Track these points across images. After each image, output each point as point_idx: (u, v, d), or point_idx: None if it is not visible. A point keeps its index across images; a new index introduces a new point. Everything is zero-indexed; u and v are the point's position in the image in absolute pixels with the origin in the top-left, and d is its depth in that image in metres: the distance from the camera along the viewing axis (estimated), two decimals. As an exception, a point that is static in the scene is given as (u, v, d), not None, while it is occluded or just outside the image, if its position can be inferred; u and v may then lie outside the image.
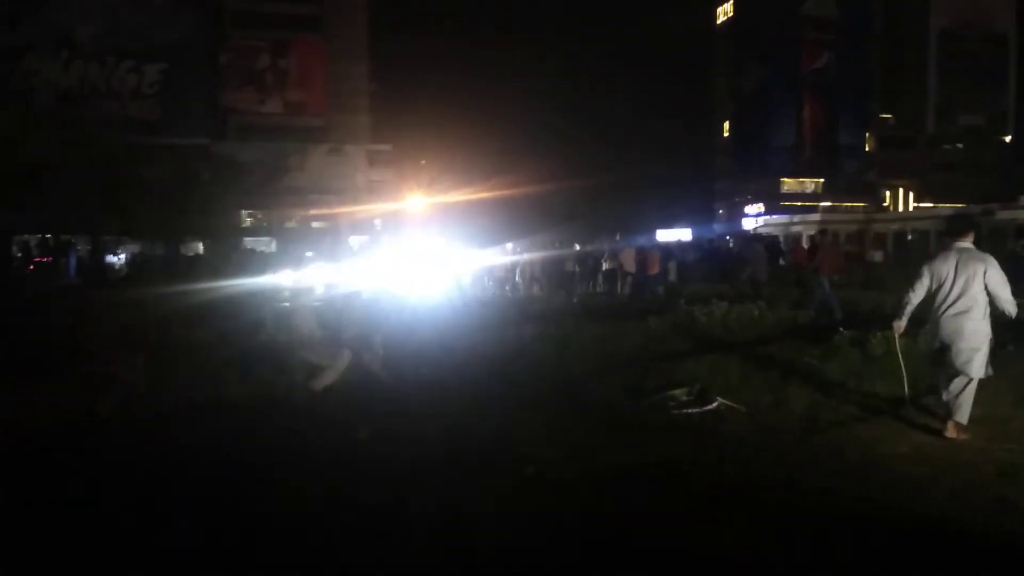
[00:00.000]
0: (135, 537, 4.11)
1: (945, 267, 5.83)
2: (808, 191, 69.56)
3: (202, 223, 31.28)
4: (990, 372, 5.83)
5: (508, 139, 60.70)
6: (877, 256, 34.33)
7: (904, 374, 6.34)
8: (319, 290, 9.03)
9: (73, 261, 24.74)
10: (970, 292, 5.72)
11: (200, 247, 32.41)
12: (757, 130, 69.13)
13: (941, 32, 69.43)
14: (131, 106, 44.79)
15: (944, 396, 5.87)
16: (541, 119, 65.48)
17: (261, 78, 48.93)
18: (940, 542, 4.08)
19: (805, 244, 27.66)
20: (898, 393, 6.53)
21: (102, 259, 28.26)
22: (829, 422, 6.33)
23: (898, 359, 6.40)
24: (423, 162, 49.00)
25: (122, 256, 30.20)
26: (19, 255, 26.24)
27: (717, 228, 58.57)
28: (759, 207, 66.53)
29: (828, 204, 61.73)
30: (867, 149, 71.25)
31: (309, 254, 21.12)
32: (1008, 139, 70.79)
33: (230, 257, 23.98)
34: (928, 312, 5.97)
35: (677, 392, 7.09)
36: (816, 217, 42.37)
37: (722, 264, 24.05)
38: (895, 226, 38.28)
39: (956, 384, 5.77)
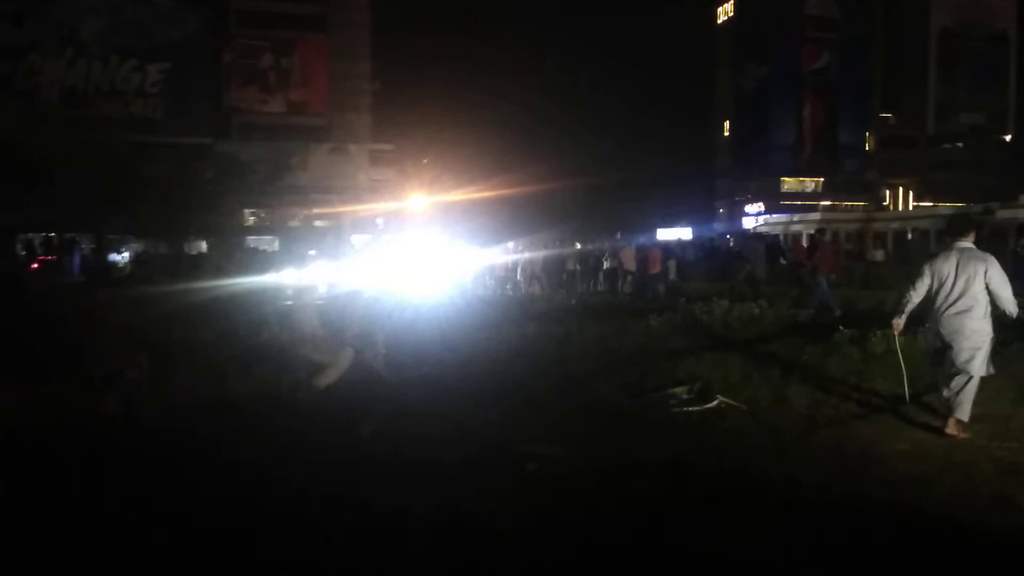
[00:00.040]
0: (136, 536, 4.12)
1: (946, 266, 5.85)
2: (808, 190, 69.42)
3: (205, 222, 31.39)
4: (992, 370, 5.85)
5: (509, 138, 60.84)
6: (877, 255, 34.29)
7: (904, 372, 6.38)
8: (321, 289, 9.08)
9: (77, 259, 24.73)
10: (971, 291, 5.74)
11: (203, 246, 32.45)
12: (758, 129, 68.95)
13: (942, 31, 69.35)
14: (135, 105, 44.86)
15: (944, 393, 5.89)
16: (543, 118, 65.57)
17: (264, 77, 49.01)
18: (940, 540, 4.08)
19: (805, 243, 27.67)
20: (898, 391, 6.56)
21: (106, 257, 28.28)
22: (829, 420, 6.35)
23: (898, 357, 6.43)
24: (425, 161, 49.00)
25: (126, 255, 30.17)
26: (23, 253, 26.24)
27: (718, 227, 58.39)
28: (759, 206, 66.31)
29: (828, 203, 61.78)
30: (867, 148, 71.11)
31: (311, 253, 21.18)
32: (1009, 138, 70.58)
33: (233, 256, 24.03)
34: (929, 311, 5.99)
35: (678, 390, 7.11)
36: (816, 216, 42.39)
37: (722, 263, 24.09)
38: (895, 225, 38.28)
39: (957, 381, 5.78)
